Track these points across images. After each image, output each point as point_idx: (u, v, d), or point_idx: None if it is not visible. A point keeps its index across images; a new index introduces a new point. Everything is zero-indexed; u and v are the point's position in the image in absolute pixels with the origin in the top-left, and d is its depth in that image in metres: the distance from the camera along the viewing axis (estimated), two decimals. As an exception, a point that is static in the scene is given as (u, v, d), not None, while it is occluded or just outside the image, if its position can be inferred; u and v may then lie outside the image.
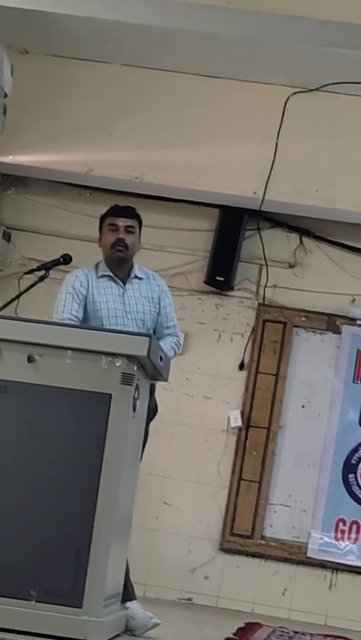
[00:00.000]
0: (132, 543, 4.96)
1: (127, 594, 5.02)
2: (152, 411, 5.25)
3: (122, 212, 5.41)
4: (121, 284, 5.36)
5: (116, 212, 5.42)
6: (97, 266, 5.42)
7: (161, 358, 4.77)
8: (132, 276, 5.41)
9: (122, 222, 5.35)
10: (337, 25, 6.69)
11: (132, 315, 5.30)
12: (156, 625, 5.07)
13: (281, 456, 7.57)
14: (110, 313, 5.27)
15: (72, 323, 5.14)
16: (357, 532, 7.40)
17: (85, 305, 5.28)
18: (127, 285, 5.38)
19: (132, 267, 5.43)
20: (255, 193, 7.44)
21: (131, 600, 5.07)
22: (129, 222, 5.37)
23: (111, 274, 5.36)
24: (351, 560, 7.38)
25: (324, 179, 7.43)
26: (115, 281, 5.36)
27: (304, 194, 7.44)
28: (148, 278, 5.46)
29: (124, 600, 4.97)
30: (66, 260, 5.41)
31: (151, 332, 5.28)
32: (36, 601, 4.26)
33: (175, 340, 5.46)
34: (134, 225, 5.40)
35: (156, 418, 5.38)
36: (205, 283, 7.72)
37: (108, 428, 4.35)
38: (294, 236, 7.83)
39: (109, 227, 5.37)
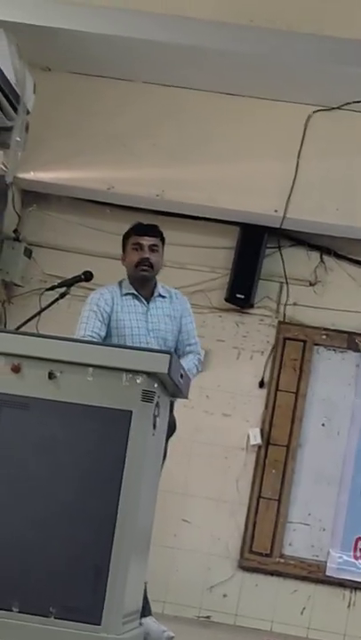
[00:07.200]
0: (150, 560, 4.95)
1: (142, 610, 5.02)
2: (170, 427, 5.24)
3: (146, 231, 5.41)
4: (145, 302, 5.37)
5: (140, 230, 5.42)
6: (121, 283, 5.43)
7: (181, 376, 4.77)
8: (156, 294, 5.42)
9: (146, 241, 5.36)
10: (359, 43, 6.68)
11: (155, 333, 5.31)
12: (170, 638, 5.06)
13: (300, 474, 7.55)
14: (134, 331, 5.29)
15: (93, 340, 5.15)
16: (377, 551, 7.39)
17: (109, 323, 5.29)
18: (151, 304, 5.39)
19: (155, 285, 5.43)
20: (276, 211, 7.44)
21: (146, 616, 5.06)
22: (153, 241, 5.37)
23: (135, 292, 5.38)
24: (370, 579, 7.36)
25: (346, 196, 7.42)
26: (139, 299, 5.37)
27: (325, 212, 7.43)
28: (170, 297, 5.46)
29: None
30: (87, 276, 5.42)
31: (173, 350, 5.28)
32: (55, 617, 4.24)
33: (197, 357, 5.46)
34: (158, 244, 5.40)
35: (175, 435, 5.38)
36: (226, 300, 7.71)
37: (129, 444, 4.34)
38: (315, 254, 7.81)
39: (133, 246, 5.37)
